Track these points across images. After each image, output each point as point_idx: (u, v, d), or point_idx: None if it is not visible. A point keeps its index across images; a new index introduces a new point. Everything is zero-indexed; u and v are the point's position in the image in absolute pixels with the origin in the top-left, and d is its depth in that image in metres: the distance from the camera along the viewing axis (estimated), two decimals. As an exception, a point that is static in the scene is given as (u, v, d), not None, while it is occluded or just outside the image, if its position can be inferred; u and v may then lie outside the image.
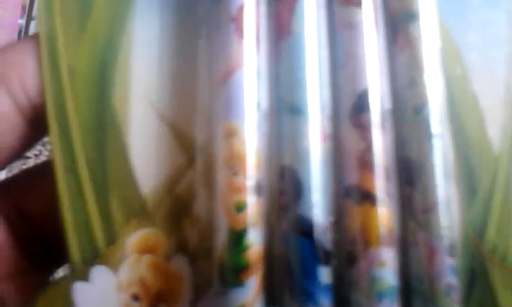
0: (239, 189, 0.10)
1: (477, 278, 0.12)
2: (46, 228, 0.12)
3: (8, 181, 0.13)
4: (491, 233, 0.12)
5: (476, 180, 0.12)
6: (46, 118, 0.11)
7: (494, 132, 0.12)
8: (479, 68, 0.12)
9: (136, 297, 0.11)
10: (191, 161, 0.11)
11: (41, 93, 0.11)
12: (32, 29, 0.52)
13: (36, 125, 0.12)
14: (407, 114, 0.11)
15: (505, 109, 0.12)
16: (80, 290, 0.11)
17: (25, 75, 0.12)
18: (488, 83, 0.12)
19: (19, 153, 0.12)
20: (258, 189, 0.11)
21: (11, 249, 0.12)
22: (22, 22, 0.52)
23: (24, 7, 0.52)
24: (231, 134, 0.11)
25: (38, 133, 0.12)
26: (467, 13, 0.13)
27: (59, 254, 0.12)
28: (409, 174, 0.11)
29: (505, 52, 0.13)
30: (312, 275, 0.10)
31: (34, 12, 0.53)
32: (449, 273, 0.11)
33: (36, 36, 0.12)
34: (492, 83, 0.12)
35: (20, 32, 0.51)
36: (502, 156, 0.12)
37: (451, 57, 0.12)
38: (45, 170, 0.12)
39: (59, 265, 0.12)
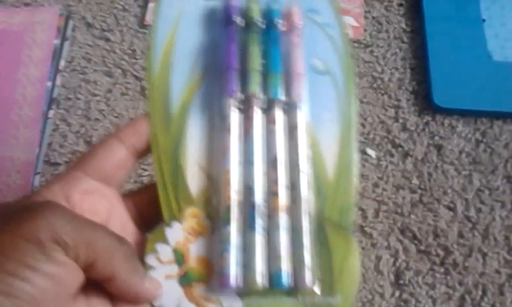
0: (228, 191, 0.29)
1: (320, 229, 0.30)
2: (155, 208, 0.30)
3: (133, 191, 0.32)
4: (327, 211, 0.30)
5: (322, 192, 0.30)
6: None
7: (329, 170, 0.31)
8: (326, 147, 0.31)
9: (189, 233, 0.29)
10: (211, 182, 0.30)
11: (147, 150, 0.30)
12: (65, 49, 0.54)
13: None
14: (292, 164, 0.30)
15: (334, 159, 0.31)
16: (167, 230, 0.29)
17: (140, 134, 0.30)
18: (328, 153, 0.31)
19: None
20: (237, 192, 0.29)
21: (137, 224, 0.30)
22: (57, 42, 0.54)
23: (59, 29, 0.54)
24: (226, 172, 0.29)
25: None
26: (321, 124, 0.31)
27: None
28: (292, 188, 0.30)
29: (337, 138, 0.31)
30: (255, 222, 0.28)
31: (68, 33, 0.55)
32: (305, 221, 0.29)
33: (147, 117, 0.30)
34: (330, 153, 0.31)
35: (54, 51, 0.53)
36: (331, 181, 0.31)
37: (314, 143, 0.31)
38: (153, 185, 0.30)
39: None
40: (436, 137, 0.44)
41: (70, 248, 0.23)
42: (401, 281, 0.38)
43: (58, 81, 0.54)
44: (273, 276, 0.28)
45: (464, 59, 0.45)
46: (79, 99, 0.53)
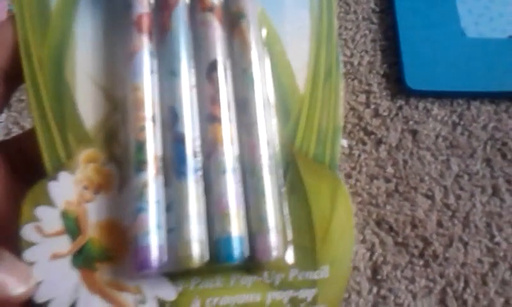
0: (141, 118, 0.18)
1: (289, 168, 0.20)
2: (33, 154, 0.19)
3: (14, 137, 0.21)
4: (298, 140, 0.20)
5: (289, 111, 0.20)
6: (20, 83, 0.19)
7: (300, 83, 0.20)
8: (292, 45, 0.21)
9: (85, 187, 0.19)
10: (114, 108, 0.19)
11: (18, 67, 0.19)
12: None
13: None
14: (238, 72, 0.19)
15: (306, 69, 0.20)
16: (52, 185, 0.19)
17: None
18: (297, 53, 0.21)
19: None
20: (153, 119, 0.18)
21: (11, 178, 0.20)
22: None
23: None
24: (136, 89, 0.19)
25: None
26: (284, 11, 0.21)
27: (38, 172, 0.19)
28: (241, 106, 0.19)
29: (308, 34, 0.21)
30: (184, 163, 0.18)
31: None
32: (263, 159, 0.19)
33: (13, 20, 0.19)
34: (300, 54, 0.21)
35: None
36: (305, 96, 0.20)
37: (273, 40, 0.20)
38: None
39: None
40: (411, 122, 0.43)
41: None
42: (379, 277, 0.36)
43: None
44: (219, 245, 0.18)
45: (436, 37, 0.44)
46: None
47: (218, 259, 0.18)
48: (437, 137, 0.43)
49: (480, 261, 0.38)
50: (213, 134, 0.19)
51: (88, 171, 0.19)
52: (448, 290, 0.37)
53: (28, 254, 0.18)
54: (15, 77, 0.20)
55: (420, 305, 0.37)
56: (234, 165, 0.19)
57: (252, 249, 0.18)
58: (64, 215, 0.19)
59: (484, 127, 0.43)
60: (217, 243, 0.18)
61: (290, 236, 0.19)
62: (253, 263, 0.19)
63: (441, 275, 0.38)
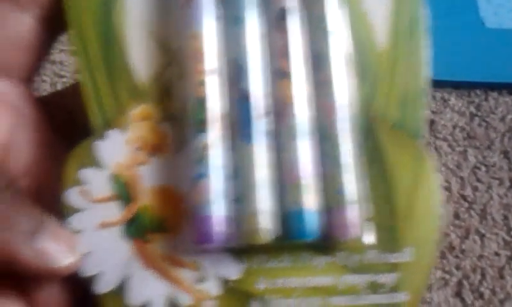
0: (202, 71, 0.16)
1: (367, 135, 0.17)
2: (77, 111, 0.17)
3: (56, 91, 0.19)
4: (377, 103, 0.17)
5: (367, 69, 0.17)
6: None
7: (380, 38, 0.18)
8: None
9: (138, 148, 0.16)
10: (170, 60, 0.17)
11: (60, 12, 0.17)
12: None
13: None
14: (313, 22, 0.17)
15: (387, 22, 0.18)
16: (100, 145, 0.16)
17: None
18: (376, 4, 0.18)
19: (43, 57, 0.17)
20: (215, 71, 0.16)
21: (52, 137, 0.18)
22: None
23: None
24: (195, 38, 0.16)
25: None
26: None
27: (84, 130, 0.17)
28: (317, 61, 0.16)
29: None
30: (250, 124, 0.16)
31: None
32: (342, 123, 0.16)
33: None
34: (379, 5, 0.18)
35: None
36: (385, 53, 0.17)
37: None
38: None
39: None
40: (427, 112, 0.41)
41: None
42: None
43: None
44: (290, 219, 0.16)
45: (455, 27, 0.43)
46: (44, 81, 0.46)
47: (288, 235, 0.16)
48: (454, 127, 0.42)
49: (497, 254, 0.37)
50: (283, 92, 0.16)
51: (141, 129, 0.17)
52: (465, 282, 0.36)
53: (73, 222, 0.16)
54: (56, 22, 0.17)
55: (436, 297, 0.36)
56: (308, 129, 0.16)
57: (326, 225, 0.16)
58: (115, 179, 0.16)
59: (502, 119, 0.42)
60: (288, 217, 0.16)
61: (368, 212, 0.17)
62: (326, 242, 0.16)
63: (458, 268, 0.37)
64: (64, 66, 0.45)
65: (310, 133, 0.16)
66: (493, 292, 0.36)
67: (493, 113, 0.42)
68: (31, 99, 0.18)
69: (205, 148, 0.16)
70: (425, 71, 0.18)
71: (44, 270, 0.15)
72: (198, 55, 0.16)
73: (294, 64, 0.16)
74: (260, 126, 0.16)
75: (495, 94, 0.43)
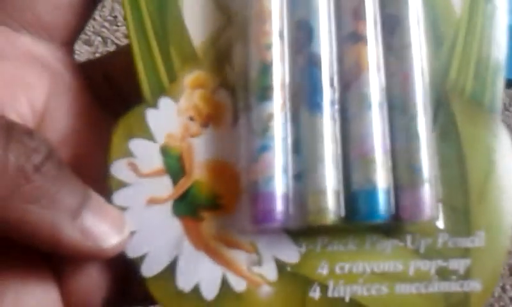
0: (267, 33, 0.14)
1: (440, 108, 0.16)
2: (124, 81, 0.16)
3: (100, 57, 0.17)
4: (453, 73, 0.16)
5: (441, 36, 0.16)
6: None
7: (456, 4, 0.16)
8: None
9: (191, 118, 0.15)
10: (228, 21, 0.15)
11: None
12: None
13: None
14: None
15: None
16: (150, 114, 0.15)
17: None
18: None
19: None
20: (281, 34, 0.15)
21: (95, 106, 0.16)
22: None
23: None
24: (259, -4, 0.15)
25: None
26: None
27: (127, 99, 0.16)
28: (391, 24, 0.15)
29: None
30: (320, 93, 0.14)
31: None
32: (418, 94, 0.15)
33: None
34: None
35: None
36: (461, 19, 0.16)
37: None
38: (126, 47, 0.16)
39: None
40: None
41: None
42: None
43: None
44: (360, 198, 0.14)
45: None
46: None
47: (356, 216, 0.14)
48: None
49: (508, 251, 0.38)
50: (356, 57, 0.15)
51: (195, 98, 0.15)
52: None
53: (119, 197, 0.15)
54: None
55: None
56: (381, 99, 0.15)
57: (396, 205, 0.15)
58: (165, 151, 0.15)
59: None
60: (356, 195, 0.14)
61: (441, 194, 0.15)
62: (395, 224, 0.15)
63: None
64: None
65: (382, 104, 0.15)
66: (504, 290, 0.37)
67: (508, 110, 0.42)
68: (71, 65, 0.16)
69: (269, 118, 0.14)
70: (504, 40, 0.16)
71: (88, 251, 0.14)
72: (264, 16, 0.14)
73: (370, 27, 0.15)
74: (329, 95, 0.14)
75: (510, 91, 0.42)
